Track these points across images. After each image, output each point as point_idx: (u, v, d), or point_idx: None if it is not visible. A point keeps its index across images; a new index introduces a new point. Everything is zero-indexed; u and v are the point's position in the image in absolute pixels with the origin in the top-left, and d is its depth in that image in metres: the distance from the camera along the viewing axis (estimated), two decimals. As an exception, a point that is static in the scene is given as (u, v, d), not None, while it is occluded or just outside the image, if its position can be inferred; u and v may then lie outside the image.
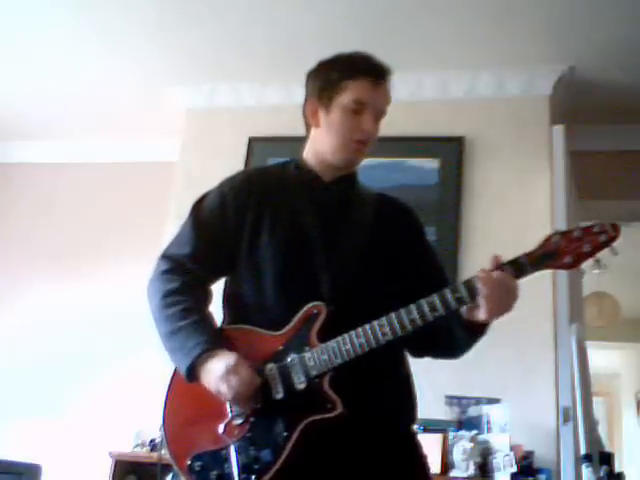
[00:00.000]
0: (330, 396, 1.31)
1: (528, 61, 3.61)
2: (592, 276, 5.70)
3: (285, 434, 1.30)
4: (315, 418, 1.30)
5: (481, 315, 1.31)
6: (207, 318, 1.45)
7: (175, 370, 1.48)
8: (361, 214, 1.53)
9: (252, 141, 3.98)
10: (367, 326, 1.32)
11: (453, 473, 2.78)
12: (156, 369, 3.69)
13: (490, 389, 3.09)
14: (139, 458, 3.25)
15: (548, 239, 1.33)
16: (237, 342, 1.39)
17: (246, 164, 3.93)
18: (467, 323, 1.36)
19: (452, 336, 1.41)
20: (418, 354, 1.53)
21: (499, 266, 1.31)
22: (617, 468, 3.78)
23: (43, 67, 4.01)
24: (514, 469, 2.74)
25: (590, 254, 1.35)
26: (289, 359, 1.35)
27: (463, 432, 2.89)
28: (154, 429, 3.37)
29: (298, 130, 4.38)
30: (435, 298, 1.32)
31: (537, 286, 3.24)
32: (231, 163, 3.95)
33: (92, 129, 4.64)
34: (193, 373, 1.37)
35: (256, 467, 1.30)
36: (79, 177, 4.74)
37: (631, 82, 3.67)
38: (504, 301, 1.30)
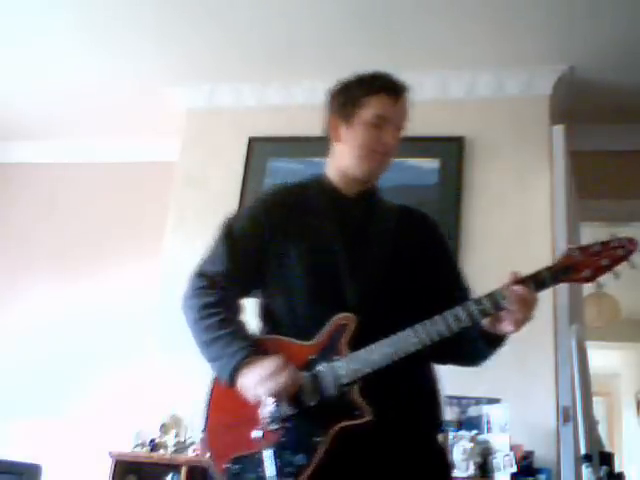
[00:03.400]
0: (359, 403, 1.37)
1: (528, 61, 3.61)
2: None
3: (318, 439, 1.37)
4: (346, 424, 1.36)
5: (505, 327, 1.38)
6: (243, 328, 1.52)
7: (215, 378, 1.54)
8: (384, 227, 1.60)
9: (252, 141, 3.98)
10: (395, 337, 1.39)
11: (453, 473, 2.77)
12: (156, 369, 3.71)
13: (490, 389, 3.10)
14: (139, 458, 3.25)
15: (568, 254, 1.40)
16: (272, 351, 1.44)
17: (246, 164, 3.93)
18: (488, 334, 1.42)
19: (473, 346, 1.47)
20: (439, 361, 1.58)
21: (520, 280, 1.37)
22: (617, 468, 3.78)
23: (43, 67, 4.01)
24: (514, 469, 2.74)
25: (608, 268, 1.40)
26: (320, 368, 1.41)
27: (463, 432, 2.90)
28: (154, 429, 3.38)
29: (298, 130, 4.40)
30: (460, 310, 1.38)
31: (537, 286, 3.25)
32: (231, 163, 3.96)
33: (92, 129, 4.65)
34: (234, 377, 1.43)
35: (290, 470, 1.36)
36: (79, 177, 4.74)
37: (631, 82, 3.67)
38: (527, 314, 1.36)
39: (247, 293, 1.60)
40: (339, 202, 1.60)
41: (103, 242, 4.47)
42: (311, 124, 4.46)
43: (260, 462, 1.38)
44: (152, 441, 3.30)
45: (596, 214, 4.06)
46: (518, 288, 1.35)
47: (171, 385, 3.53)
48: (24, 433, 3.99)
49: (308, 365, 1.42)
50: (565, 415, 2.87)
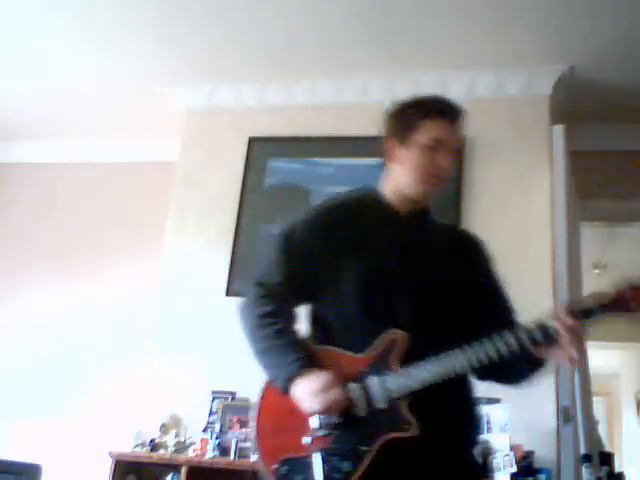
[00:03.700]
0: (408, 417, 1.42)
1: (528, 61, 3.61)
2: (592, 276, 5.70)
3: (365, 448, 1.42)
4: (394, 436, 1.41)
5: (559, 358, 1.46)
6: (299, 338, 1.58)
7: (266, 384, 1.58)
8: (435, 245, 1.66)
9: (252, 141, 3.98)
10: (445, 357, 1.45)
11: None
12: (156, 369, 3.71)
13: (490, 389, 3.08)
14: (139, 458, 3.25)
15: (618, 291, 1.45)
16: (325, 361, 1.50)
17: (246, 164, 3.93)
18: (534, 358, 1.49)
19: (518, 368, 1.54)
20: (482, 379, 1.65)
21: (570, 311, 1.42)
22: (617, 468, 3.78)
23: (43, 67, 4.01)
24: (514, 469, 2.74)
25: None
26: (371, 381, 1.46)
27: (463, 432, 2.89)
28: (154, 429, 3.38)
29: (298, 130, 4.40)
30: (510, 337, 1.43)
31: (537, 286, 3.25)
32: (231, 163, 3.96)
33: (92, 129, 4.65)
34: (288, 387, 1.48)
35: (336, 476, 1.41)
36: (79, 177, 4.74)
37: (631, 82, 3.67)
38: (577, 346, 1.42)
39: (302, 302, 1.65)
40: (393, 219, 1.65)
41: (103, 242, 4.46)
42: (311, 124, 4.47)
43: (308, 465, 1.43)
44: (152, 441, 3.30)
45: (596, 214, 4.07)
46: (570, 321, 1.41)
47: (171, 385, 3.53)
48: (24, 433, 3.99)
49: (359, 377, 1.47)
50: (565, 415, 2.87)
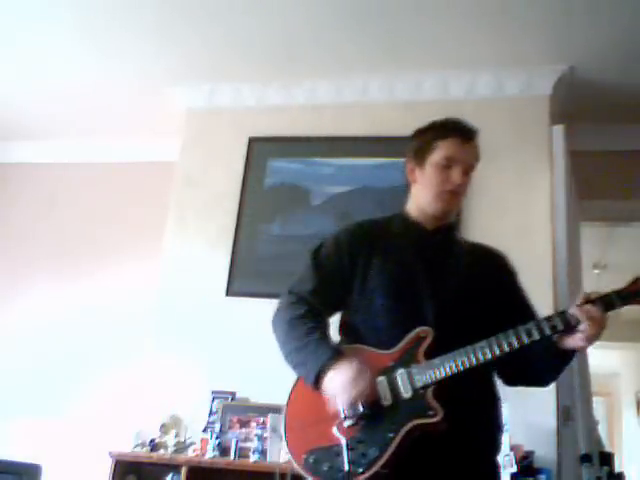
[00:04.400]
0: (433, 404, 1.49)
1: (528, 61, 3.61)
2: (592, 276, 5.70)
3: (391, 435, 1.49)
4: (419, 422, 1.49)
5: (576, 342, 1.52)
6: (329, 337, 1.66)
7: (296, 381, 1.65)
8: (459, 256, 1.75)
9: (252, 141, 3.98)
10: (469, 347, 1.52)
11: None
12: (156, 369, 3.71)
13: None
14: (139, 458, 3.25)
15: (636, 280, 1.53)
16: (354, 357, 1.57)
17: (246, 164, 3.93)
18: (558, 349, 1.56)
19: (543, 364, 1.63)
20: (511, 382, 1.75)
21: (591, 300, 1.51)
22: (617, 468, 3.78)
23: (43, 67, 4.01)
24: (514, 469, 2.74)
25: None
26: (398, 372, 1.55)
27: (463, 432, 2.89)
28: (154, 429, 3.38)
29: (298, 130, 4.39)
30: (531, 325, 1.52)
31: (537, 286, 3.24)
32: (231, 163, 3.96)
33: (92, 129, 4.65)
34: (320, 379, 1.55)
35: (364, 461, 1.48)
36: (79, 177, 4.74)
37: (631, 82, 3.67)
38: (597, 331, 1.50)
39: (333, 310, 1.75)
40: (419, 233, 1.75)
41: (103, 242, 4.46)
42: (311, 124, 4.47)
43: (336, 453, 1.51)
44: (152, 441, 3.30)
45: (596, 214, 4.07)
46: (589, 307, 1.49)
47: (171, 385, 3.53)
48: (24, 433, 3.99)
49: (387, 370, 1.56)
50: (565, 415, 2.88)
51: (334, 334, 1.72)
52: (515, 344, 1.50)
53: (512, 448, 2.80)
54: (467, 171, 1.77)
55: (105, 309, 4.24)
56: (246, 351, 3.44)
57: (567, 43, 3.46)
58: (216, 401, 3.40)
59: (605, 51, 3.46)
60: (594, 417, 3.61)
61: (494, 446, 1.66)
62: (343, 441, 1.50)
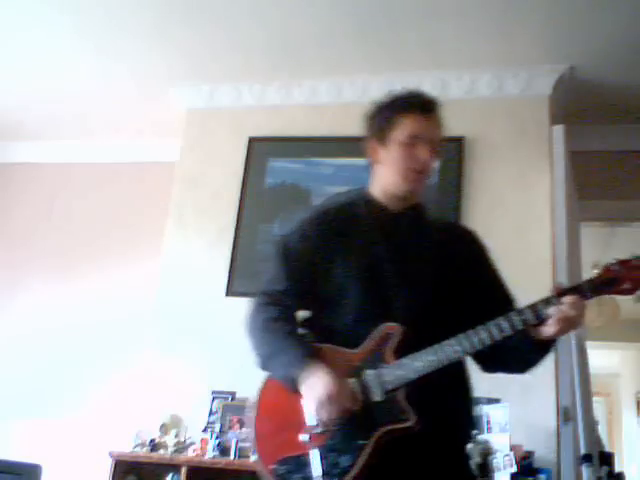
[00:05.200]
0: (404, 408, 1.43)
1: (528, 61, 3.61)
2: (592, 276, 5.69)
3: (362, 442, 1.42)
4: (390, 428, 1.42)
5: (553, 332, 1.43)
6: (302, 340, 1.60)
7: (262, 385, 1.60)
8: (428, 240, 1.66)
9: (252, 141, 3.98)
10: (439, 345, 1.45)
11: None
12: (156, 369, 3.71)
13: (490, 389, 3.09)
14: (139, 458, 3.25)
15: (607, 267, 1.47)
16: (322, 358, 1.51)
17: (246, 164, 3.93)
18: (536, 340, 1.47)
19: (521, 353, 1.53)
20: (489, 369, 1.65)
21: (562, 291, 1.44)
22: (617, 468, 3.78)
23: (43, 67, 4.01)
24: (514, 469, 2.74)
25: None
26: (367, 374, 1.47)
27: (463, 432, 2.89)
28: (154, 429, 3.38)
29: (298, 130, 4.39)
30: (502, 320, 1.44)
31: (537, 286, 3.24)
32: (231, 163, 3.96)
33: (92, 129, 4.65)
34: (297, 384, 1.48)
35: (335, 472, 1.42)
36: (79, 177, 4.74)
37: (631, 82, 3.67)
38: (572, 322, 1.43)
39: (305, 307, 1.68)
40: (383, 217, 1.67)
41: (103, 242, 4.46)
42: (311, 124, 4.48)
43: (306, 463, 1.44)
44: (152, 441, 3.30)
45: (596, 214, 4.06)
46: (562, 298, 1.42)
47: (171, 385, 3.53)
48: (24, 433, 3.99)
49: (355, 372, 1.48)
50: (565, 415, 2.87)
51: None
52: (486, 341, 1.43)
53: (512, 448, 2.80)
54: (433, 147, 1.64)
55: (105, 309, 4.24)
56: (246, 351, 3.43)
57: (567, 43, 3.46)
58: (216, 401, 3.40)
59: (605, 51, 3.46)
60: (594, 417, 3.61)
61: (466, 438, 1.62)
62: (314, 450, 1.44)
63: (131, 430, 3.38)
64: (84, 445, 3.82)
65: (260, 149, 3.95)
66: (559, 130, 3.24)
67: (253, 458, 3.07)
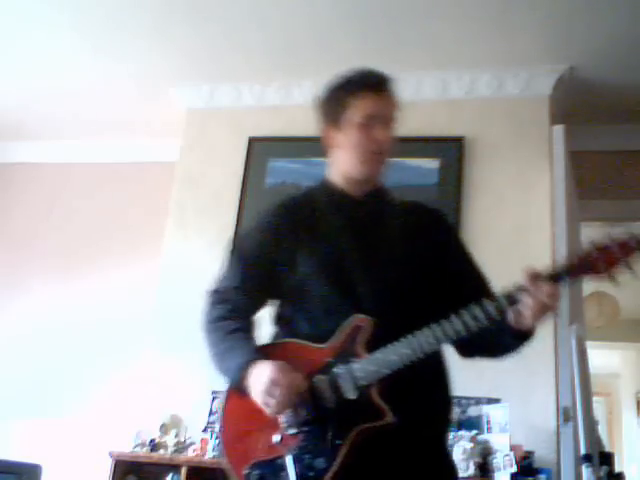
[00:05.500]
0: (379, 405, 1.36)
1: (528, 61, 3.61)
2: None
3: (337, 442, 1.36)
4: (366, 426, 1.35)
5: (530, 319, 1.36)
6: (250, 339, 1.53)
7: (227, 389, 1.53)
8: (393, 225, 1.59)
9: (252, 141, 3.98)
10: (412, 337, 1.38)
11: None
12: (156, 369, 3.71)
13: (490, 389, 3.10)
14: (139, 458, 3.25)
15: (585, 252, 1.40)
16: (283, 355, 1.44)
17: (246, 164, 3.93)
18: (513, 328, 1.40)
19: (499, 340, 1.46)
20: (466, 355, 1.58)
21: (536, 276, 1.36)
22: (617, 468, 3.78)
23: (43, 67, 4.01)
24: (514, 469, 2.74)
25: (621, 259, 1.39)
26: (338, 370, 1.40)
27: (463, 432, 2.89)
28: (154, 429, 3.38)
29: (297, 130, 4.39)
30: (476, 309, 1.37)
31: (537, 286, 3.25)
32: (231, 163, 3.96)
33: (92, 129, 4.65)
34: (242, 388, 1.43)
35: (311, 475, 1.35)
36: (79, 177, 4.74)
37: (631, 82, 3.67)
38: (548, 307, 1.35)
39: (262, 304, 1.62)
40: (345, 204, 1.60)
41: (103, 242, 4.46)
42: (311, 124, 4.47)
43: (280, 467, 1.38)
44: (152, 441, 3.30)
45: (596, 214, 4.06)
46: (537, 283, 1.35)
47: (171, 385, 3.53)
48: (24, 433, 3.99)
49: (325, 368, 1.41)
50: (565, 415, 2.87)
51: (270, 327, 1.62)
52: (461, 331, 1.36)
53: (512, 448, 2.80)
54: (389, 125, 1.56)
55: (105, 309, 4.24)
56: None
57: (567, 43, 3.46)
58: (216, 401, 3.40)
59: (605, 51, 3.46)
60: (594, 417, 3.60)
61: (445, 428, 1.55)
62: (287, 454, 1.37)
63: (131, 430, 3.38)
64: (84, 445, 3.82)
65: (260, 149, 3.95)
66: (559, 130, 3.24)
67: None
